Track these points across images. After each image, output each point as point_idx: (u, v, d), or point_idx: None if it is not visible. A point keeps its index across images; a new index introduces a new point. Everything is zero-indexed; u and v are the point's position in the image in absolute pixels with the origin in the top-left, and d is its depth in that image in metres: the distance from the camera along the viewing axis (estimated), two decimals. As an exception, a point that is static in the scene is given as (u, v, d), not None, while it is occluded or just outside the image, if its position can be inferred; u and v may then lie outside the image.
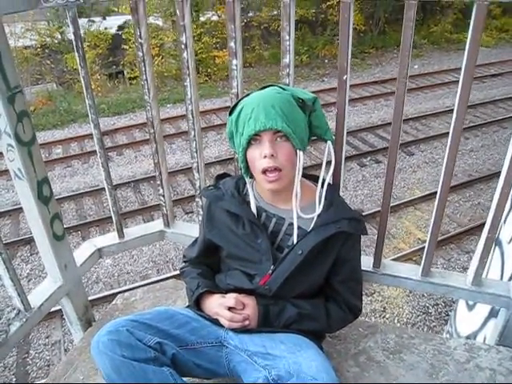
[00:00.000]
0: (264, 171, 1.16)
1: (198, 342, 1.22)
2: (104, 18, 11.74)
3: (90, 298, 4.28)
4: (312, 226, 1.23)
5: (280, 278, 1.22)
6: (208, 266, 1.42)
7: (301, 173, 1.20)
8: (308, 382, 1.01)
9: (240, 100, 1.23)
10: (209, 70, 11.04)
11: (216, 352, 1.24)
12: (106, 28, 11.26)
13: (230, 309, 1.22)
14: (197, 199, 1.67)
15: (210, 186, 1.36)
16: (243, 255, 1.27)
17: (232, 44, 1.31)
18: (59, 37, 10.79)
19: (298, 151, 1.17)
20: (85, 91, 1.43)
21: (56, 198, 5.36)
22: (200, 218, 1.68)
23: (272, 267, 1.23)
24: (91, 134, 1.55)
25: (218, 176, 1.39)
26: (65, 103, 9.42)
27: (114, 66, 11.30)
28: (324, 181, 1.27)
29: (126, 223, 5.46)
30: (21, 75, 10.23)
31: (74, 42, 1.36)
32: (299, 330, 1.24)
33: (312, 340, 1.24)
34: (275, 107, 1.12)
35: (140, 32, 1.39)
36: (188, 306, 1.37)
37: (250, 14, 12.22)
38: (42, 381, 3.48)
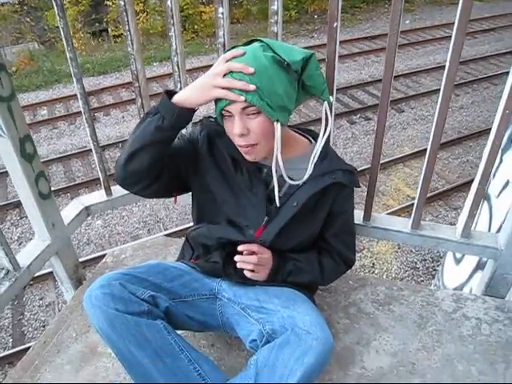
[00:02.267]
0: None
1: (191, 295, 1.22)
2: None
3: (81, 260, 4.32)
4: (306, 177, 1.19)
5: (275, 229, 1.21)
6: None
7: (279, 147, 1.09)
8: (302, 337, 1.02)
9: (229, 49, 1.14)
10: (195, 27, 10.72)
11: (209, 305, 1.24)
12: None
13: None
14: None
15: (210, 117, 1.26)
16: (235, 202, 1.23)
17: (218, -10, 1.25)
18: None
19: (275, 123, 1.08)
20: (65, 43, 1.36)
21: (43, 160, 5.27)
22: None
23: (266, 218, 1.21)
24: (76, 95, 1.48)
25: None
26: (48, 63, 9.15)
27: (98, 24, 10.90)
28: (322, 137, 1.19)
29: (114, 184, 5.41)
30: (-1, 34, 9.91)
31: (50, -10, 1.29)
32: (293, 284, 1.25)
33: (305, 294, 1.24)
34: (244, 77, 1.02)
35: (121, -21, 1.32)
36: (179, 260, 1.37)
37: (238, -33, 11.79)
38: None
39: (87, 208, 1.70)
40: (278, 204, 1.20)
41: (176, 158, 1.22)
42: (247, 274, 1.20)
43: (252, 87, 1.02)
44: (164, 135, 1.11)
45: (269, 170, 1.21)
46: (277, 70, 1.05)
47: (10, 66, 9.06)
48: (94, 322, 1.08)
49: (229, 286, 1.25)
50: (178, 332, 1.15)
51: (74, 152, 6.23)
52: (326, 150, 1.24)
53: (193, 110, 1.11)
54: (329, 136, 1.31)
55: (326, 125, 1.18)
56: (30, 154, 1.37)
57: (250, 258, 1.18)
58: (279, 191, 1.19)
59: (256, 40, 1.11)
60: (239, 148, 1.14)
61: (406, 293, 1.53)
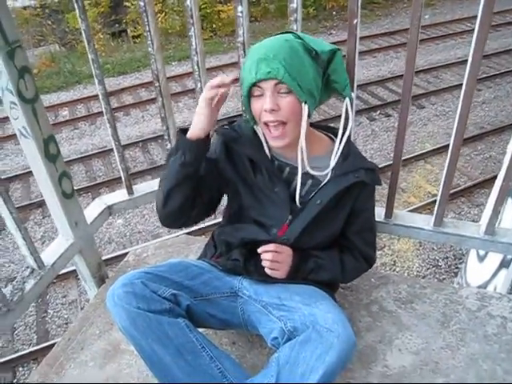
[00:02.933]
0: (267, 124, 1.13)
1: (213, 293, 1.23)
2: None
3: (103, 258, 4.38)
4: (330, 175, 1.21)
5: (298, 228, 1.21)
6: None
7: (305, 126, 1.13)
8: (324, 334, 1.02)
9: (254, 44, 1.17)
10: (214, 26, 10.73)
11: (230, 302, 1.25)
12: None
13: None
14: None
15: (224, 125, 1.29)
16: (259, 205, 1.24)
17: (237, -11, 1.25)
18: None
19: (303, 104, 1.11)
20: (86, 45, 1.38)
21: (65, 160, 5.36)
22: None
23: (289, 217, 1.22)
24: (97, 96, 1.51)
25: (230, 121, 1.33)
26: (69, 64, 9.28)
27: (117, 25, 11.01)
28: (344, 133, 1.22)
29: (136, 183, 5.45)
30: (22, 37, 10.07)
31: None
32: (315, 281, 1.25)
33: (326, 291, 1.24)
34: (278, 56, 1.06)
35: (140, -20, 1.33)
36: (200, 259, 1.38)
37: (255, -35, 11.76)
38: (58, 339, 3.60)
39: (109, 207, 1.72)
40: (297, 201, 1.21)
41: (206, 183, 1.24)
42: (267, 271, 1.20)
43: (228, 79, 1.09)
44: (189, 170, 1.15)
45: (291, 168, 1.22)
46: (307, 57, 1.11)
47: (32, 67, 9.18)
48: (116, 320, 1.10)
49: (250, 283, 1.25)
50: (200, 330, 1.16)
51: (94, 152, 6.31)
52: (349, 148, 1.23)
53: (207, 138, 1.15)
54: (350, 133, 1.31)
55: (347, 122, 1.19)
56: (53, 155, 1.40)
57: (267, 256, 1.18)
58: (301, 189, 1.20)
59: (287, 32, 1.17)
60: (268, 134, 1.14)
61: (428, 291, 1.51)
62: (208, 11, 10.50)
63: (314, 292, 1.20)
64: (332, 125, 1.30)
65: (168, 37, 10.33)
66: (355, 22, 1.21)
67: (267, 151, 1.23)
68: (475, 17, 1.13)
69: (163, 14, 10.49)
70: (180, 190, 1.17)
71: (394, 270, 4.23)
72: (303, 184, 1.22)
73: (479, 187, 5.10)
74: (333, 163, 1.20)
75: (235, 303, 1.25)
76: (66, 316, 3.99)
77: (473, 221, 4.67)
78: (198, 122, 1.13)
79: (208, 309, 1.21)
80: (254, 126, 1.23)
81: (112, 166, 5.98)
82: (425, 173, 5.48)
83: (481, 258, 2.51)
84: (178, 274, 1.20)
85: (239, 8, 1.28)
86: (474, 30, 1.16)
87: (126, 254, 1.82)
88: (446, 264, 4.27)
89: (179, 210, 1.20)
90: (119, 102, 7.73)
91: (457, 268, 4.18)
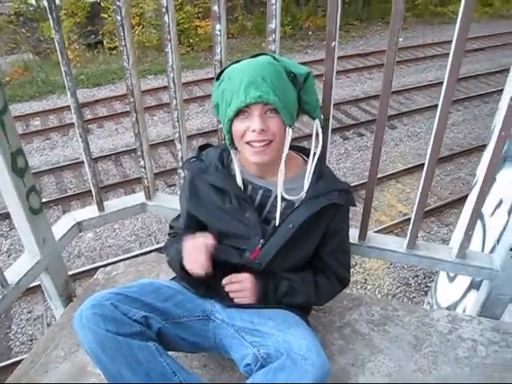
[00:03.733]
0: (249, 143, 1.12)
1: (185, 316, 1.20)
2: (82, -16, 11.28)
3: (71, 273, 4.26)
4: (302, 199, 1.21)
5: (271, 252, 1.20)
6: None
7: (287, 150, 1.15)
8: (298, 362, 1.00)
9: (228, 66, 1.17)
10: (191, 41, 10.75)
11: (202, 326, 1.22)
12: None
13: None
14: (179, 171, 1.62)
15: (192, 157, 1.31)
16: (231, 231, 1.23)
17: (216, 8, 1.24)
18: (34, 3, 10.35)
19: (287, 128, 1.13)
20: (60, 57, 1.35)
21: (35, 171, 5.21)
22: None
23: (262, 241, 1.20)
24: (70, 108, 1.48)
25: (201, 147, 1.34)
26: (42, 74, 9.11)
27: (93, 36, 10.90)
28: (314, 155, 1.23)
29: (108, 196, 5.38)
30: (-6, 44, 9.88)
31: (46, 3, 1.27)
32: (289, 305, 1.23)
33: (300, 315, 1.22)
34: (266, 79, 1.07)
35: (118, -6, 1.31)
36: (173, 279, 1.35)
37: (233, -17, 11.89)
38: (24, 356, 3.46)
39: (79, 223, 1.67)
40: (277, 221, 1.20)
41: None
42: (235, 299, 1.21)
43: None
44: None
45: (264, 191, 1.22)
46: (287, 80, 1.13)
47: (4, 76, 9.02)
48: (83, 342, 1.06)
49: (222, 307, 1.23)
50: (170, 353, 1.13)
51: (66, 164, 6.18)
52: (321, 170, 1.24)
53: None
54: (324, 154, 1.31)
55: (317, 143, 1.20)
56: (21, 169, 1.35)
57: (227, 287, 1.20)
58: (274, 212, 1.19)
59: (262, 54, 1.19)
60: (249, 150, 1.14)
61: (400, 313, 1.52)
62: (185, 26, 10.53)
63: (288, 317, 1.18)
64: (306, 143, 1.31)
65: (145, 50, 10.29)
66: (333, 44, 1.22)
67: (239, 177, 1.22)
68: (446, 42, 1.16)
69: (140, 26, 10.46)
70: None
71: (366, 289, 4.26)
72: (275, 206, 1.21)
73: (449, 207, 5.22)
74: (306, 186, 1.21)
75: (207, 326, 1.22)
76: (30, 332, 3.84)
77: (442, 240, 4.76)
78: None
79: (179, 332, 1.18)
80: (231, 150, 1.23)
81: (84, 178, 5.86)
82: (396, 192, 5.57)
83: (451, 279, 2.54)
84: (150, 296, 1.16)
85: (217, 26, 1.28)
86: (444, 54, 1.19)
87: (95, 268, 1.77)
88: (416, 282, 4.32)
89: None
90: (93, 114, 7.62)
91: (427, 287, 4.23)
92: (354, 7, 12.77)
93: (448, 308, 2.45)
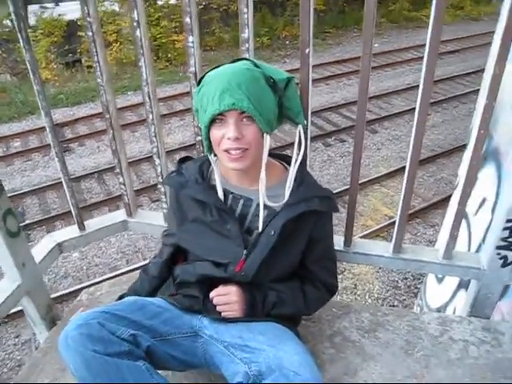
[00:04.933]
0: (227, 151, 1.11)
1: (172, 333, 1.17)
2: (57, 4, 11.23)
3: (58, 294, 4.18)
4: (283, 205, 1.19)
5: (256, 262, 1.18)
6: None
7: (266, 157, 1.14)
8: (291, 378, 0.97)
9: (209, 71, 1.16)
10: (169, 55, 10.76)
11: (191, 342, 1.19)
12: (59, 15, 10.77)
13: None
14: (159, 186, 1.60)
15: (172, 172, 1.29)
16: (214, 244, 1.21)
17: (187, 19, 1.23)
18: (10, 24, 10.26)
19: (264, 134, 1.12)
20: (31, 76, 1.33)
21: (17, 193, 5.11)
22: (164, 206, 1.61)
23: (245, 252, 1.18)
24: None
25: (180, 160, 1.33)
26: (20, 95, 9.00)
27: (71, 55, 10.83)
28: (296, 161, 1.22)
29: (92, 215, 5.31)
30: (-30, 66, 9.77)
31: (15, 23, 1.25)
32: (277, 316, 1.21)
33: (289, 327, 1.20)
34: (242, 86, 1.06)
35: (88, 10, 1.30)
36: (158, 296, 1.32)
37: (209, -4, 11.96)
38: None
39: (60, 244, 1.63)
40: (260, 229, 1.19)
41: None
42: (221, 310, 1.19)
43: None
44: None
45: (245, 200, 1.20)
46: (266, 86, 1.12)
47: (-19, 98, 8.93)
48: (69, 364, 1.01)
49: (210, 322, 1.20)
50: (159, 372, 1.10)
51: (48, 184, 6.09)
52: (303, 176, 1.23)
53: None
54: (305, 161, 1.31)
55: (300, 150, 1.19)
56: (-4, 192, 1.32)
57: (214, 300, 1.19)
58: (256, 221, 1.19)
59: (242, 59, 1.19)
60: (227, 157, 1.12)
61: (390, 318, 1.50)
62: (163, 41, 10.54)
63: (278, 330, 1.16)
64: (288, 151, 1.30)
65: (123, 67, 10.26)
66: (307, 51, 1.21)
67: (219, 188, 1.21)
68: (421, 45, 1.17)
69: (118, 43, 10.43)
70: None
71: (356, 294, 4.25)
72: (258, 215, 1.19)
73: (433, 208, 5.25)
74: (287, 193, 1.19)
75: (196, 343, 1.19)
76: (18, 357, 3.74)
77: (429, 241, 4.78)
78: None
79: (168, 349, 1.14)
80: (210, 158, 1.21)
81: (67, 198, 5.78)
82: (381, 196, 5.60)
83: (439, 280, 2.54)
84: (136, 313, 1.12)
85: (190, 38, 1.27)
86: (420, 57, 1.20)
87: (82, 288, 1.73)
88: (406, 285, 4.33)
89: None
90: (73, 133, 7.55)
91: (416, 288, 4.24)
92: (330, 15, 12.95)
93: (438, 309, 2.45)
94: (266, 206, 1.19)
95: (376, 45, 11.22)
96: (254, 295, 1.20)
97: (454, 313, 2.07)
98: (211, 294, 1.19)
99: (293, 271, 1.28)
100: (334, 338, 1.44)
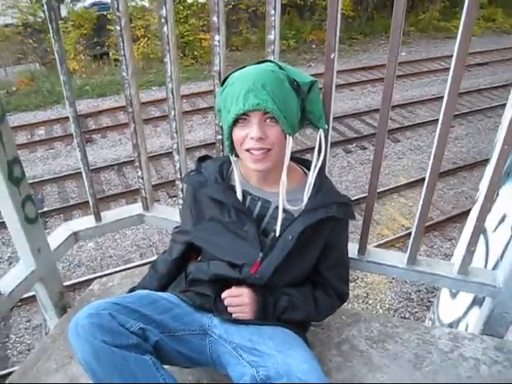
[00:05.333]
0: (249, 150, 1.11)
1: (182, 329, 1.17)
2: (89, -3, 11.45)
3: (71, 282, 4.24)
4: (301, 210, 1.19)
5: (272, 265, 1.17)
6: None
7: (288, 159, 1.14)
8: None
9: (233, 72, 1.16)
10: (195, 53, 10.86)
11: (199, 340, 1.19)
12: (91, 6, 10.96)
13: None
14: (177, 182, 1.61)
15: (191, 171, 1.30)
16: (230, 245, 1.21)
17: (214, 18, 1.24)
18: (42, 15, 10.47)
19: (287, 136, 1.12)
20: (59, 66, 1.35)
21: (38, 180, 5.20)
22: (181, 202, 1.62)
23: (261, 254, 1.17)
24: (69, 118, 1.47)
25: (200, 158, 1.33)
26: (48, 84, 9.18)
27: (99, 47, 11.02)
28: (316, 166, 1.22)
29: (109, 206, 5.37)
30: (1, 54, 9.97)
31: (46, 13, 1.27)
32: (288, 321, 1.20)
33: (298, 333, 1.19)
34: (266, 87, 1.06)
35: (118, 5, 1.31)
36: (170, 291, 1.32)
37: (238, -3, 12.02)
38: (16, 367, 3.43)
39: (75, 234, 1.65)
40: (278, 233, 1.18)
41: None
42: (233, 314, 1.18)
43: None
44: None
45: (263, 202, 1.20)
46: (290, 88, 1.12)
47: (11, 85, 9.12)
48: (78, 353, 1.02)
49: (220, 322, 1.20)
50: (165, 367, 1.09)
51: (69, 173, 6.18)
52: (321, 182, 1.22)
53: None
54: (324, 166, 1.30)
55: (320, 154, 1.19)
56: (17, 178, 1.34)
57: (226, 301, 1.18)
58: (273, 224, 1.18)
59: (266, 61, 1.19)
60: (249, 157, 1.13)
61: (400, 330, 1.48)
62: (190, 38, 10.63)
63: (288, 336, 1.15)
64: (309, 155, 1.30)
65: (149, 62, 10.38)
66: (332, 56, 1.21)
67: (238, 189, 1.21)
68: (449, 56, 1.15)
69: (146, 38, 10.55)
70: None
71: (367, 303, 4.22)
72: (276, 218, 1.19)
73: (452, 221, 5.18)
74: (306, 198, 1.19)
75: (204, 341, 1.19)
76: (28, 342, 3.81)
77: (445, 255, 4.72)
78: None
79: (176, 345, 1.14)
80: (231, 158, 1.21)
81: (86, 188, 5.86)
82: (399, 206, 5.54)
83: (453, 295, 2.50)
84: (147, 307, 1.13)
85: (216, 37, 1.27)
86: (448, 68, 1.17)
87: (95, 278, 1.74)
88: (419, 297, 4.27)
89: None
90: (97, 124, 7.66)
91: (429, 301, 4.18)
92: (358, 22, 12.89)
93: (450, 325, 2.41)
94: (283, 210, 1.19)
95: (403, 53, 11.13)
96: (266, 298, 1.19)
97: (466, 329, 2.03)
98: (223, 295, 1.18)
99: (306, 277, 1.28)
100: (341, 346, 1.43)
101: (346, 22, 12.39)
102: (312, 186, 1.20)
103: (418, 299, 4.25)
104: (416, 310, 4.15)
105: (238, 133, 1.12)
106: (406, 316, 4.08)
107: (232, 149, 1.17)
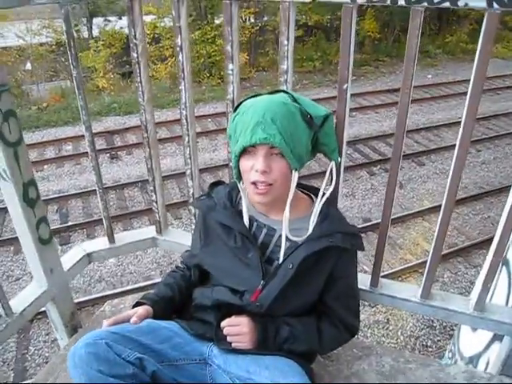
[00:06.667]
0: (254, 183, 1.11)
1: (181, 359, 1.16)
2: (120, 18, 11.75)
3: (91, 297, 4.28)
4: (304, 239, 1.17)
5: (272, 293, 1.16)
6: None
7: (292, 193, 1.14)
8: None
9: (246, 99, 1.17)
10: (222, 73, 11.00)
11: (199, 370, 1.18)
12: (121, 27, 11.27)
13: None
14: (190, 207, 1.61)
15: (202, 195, 1.31)
16: (233, 271, 1.21)
17: (228, 47, 1.25)
18: (75, 35, 10.81)
19: (292, 171, 1.12)
20: (76, 91, 1.39)
21: (64, 194, 5.26)
22: (193, 227, 1.62)
23: (262, 282, 1.16)
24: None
25: (212, 184, 1.34)
26: (77, 101, 9.42)
27: (128, 66, 11.29)
28: (323, 196, 1.21)
29: (132, 223, 5.43)
30: (35, 71, 10.33)
31: (66, 41, 1.31)
32: (289, 352, 1.17)
33: (300, 364, 1.16)
34: (276, 121, 1.06)
35: (135, 32, 1.34)
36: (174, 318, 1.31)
37: (265, 18, 12.17)
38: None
39: (89, 255, 1.67)
40: (280, 261, 1.17)
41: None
42: (231, 341, 1.17)
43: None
44: None
45: (269, 230, 1.19)
46: (302, 121, 1.11)
47: (42, 102, 9.41)
48: (75, 382, 1.02)
49: (219, 352, 1.18)
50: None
51: (93, 188, 6.26)
52: (328, 211, 1.21)
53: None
54: (336, 198, 1.28)
55: (330, 185, 1.18)
56: (32, 199, 1.37)
57: (224, 330, 1.16)
58: (277, 252, 1.17)
59: (280, 91, 1.19)
60: (253, 190, 1.13)
61: (413, 366, 1.43)
62: (217, 58, 10.79)
63: (286, 366, 1.12)
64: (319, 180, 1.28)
65: (176, 81, 10.56)
66: (345, 86, 1.20)
67: (245, 215, 1.21)
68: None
69: (173, 58, 10.77)
70: None
71: (387, 329, 4.12)
72: (280, 246, 1.18)
73: (477, 248, 5.05)
74: (311, 227, 1.17)
75: (204, 371, 1.17)
76: (46, 355, 3.84)
77: (470, 282, 4.59)
78: None
79: (175, 375, 1.13)
80: (239, 185, 1.22)
81: (110, 203, 5.95)
82: (422, 230, 5.44)
83: (474, 328, 2.42)
84: (147, 336, 1.12)
85: (230, 66, 1.28)
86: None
87: (114, 294, 1.75)
88: (441, 325, 4.16)
89: None
90: (123, 141, 7.80)
91: (452, 330, 4.05)
92: (385, 44, 12.89)
93: (471, 358, 2.32)
94: (288, 238, 1.18)
95: (429, 76, 11.06)
96: (266, 328, 1.17)
97: (487, 366, 1.95)
98: (222, 324, 1.17)
99: (311, 307, 1.25)
100: (350, 379, 1.39)
101: (372, 44, 12.41)
102: (317, 215, 1.18)
103: (441, 327, 4.13)
104: (438, 338, 4.03)
105: (245, 163, 1.12)
106: (428, 344, 3.97)
107: (239, 176, 1.18)
